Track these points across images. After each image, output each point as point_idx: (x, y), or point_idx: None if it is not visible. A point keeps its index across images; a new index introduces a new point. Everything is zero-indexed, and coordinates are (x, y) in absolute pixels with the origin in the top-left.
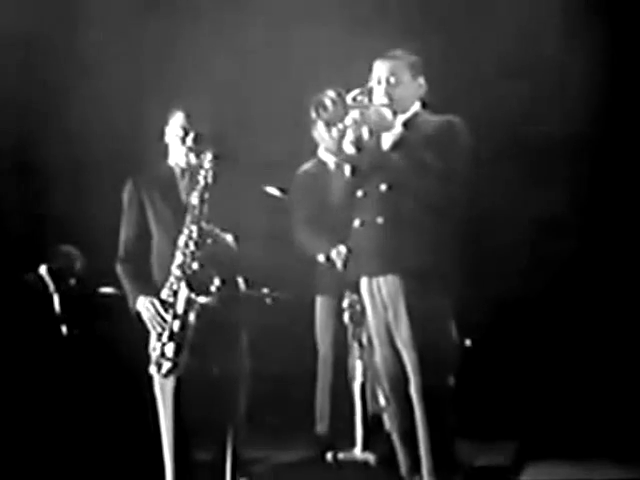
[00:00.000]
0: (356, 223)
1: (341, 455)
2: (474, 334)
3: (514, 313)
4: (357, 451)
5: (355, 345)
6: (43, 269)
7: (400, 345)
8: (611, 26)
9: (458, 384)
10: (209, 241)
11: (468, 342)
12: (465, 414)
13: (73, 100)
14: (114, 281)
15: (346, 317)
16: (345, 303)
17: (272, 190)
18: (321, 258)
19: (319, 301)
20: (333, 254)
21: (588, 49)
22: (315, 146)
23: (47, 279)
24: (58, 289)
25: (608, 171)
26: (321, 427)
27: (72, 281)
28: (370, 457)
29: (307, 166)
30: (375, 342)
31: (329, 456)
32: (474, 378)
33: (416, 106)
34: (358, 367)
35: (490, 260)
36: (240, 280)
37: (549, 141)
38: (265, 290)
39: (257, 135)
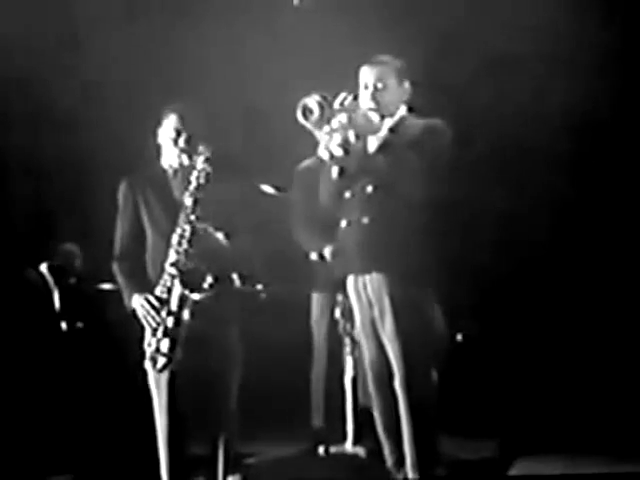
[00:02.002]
0: (343, 223)
1: (333, 449)
2: (462, 330)
3: (502, 309)
4: (348, 445)
5: (346, 340)
6: (44, 266)
7: (385, 341)
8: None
9: (445, 379)
10: (202, 239)
11: (459, 337)
12: (452, 410)
13: (75, 101)
14: (113, 279)
15: (337, 313)
16: (337, 299)
17: (268, 188)
18: (314, 256)
19: (314, 297)
20: (326, 252)
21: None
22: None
23: (48, 276)
24: (58, 286)
25: (592, 168)
26: (316, 421)
27: (72, 279)
28: (360, 451)
29: (307, 162)
30: (361, 338)
31: (321, 450)
32: (461, 373)
33: (402, 110)
34: (349, 362)
35: (477, 257)
36: (235, 276)
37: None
38: (260, 286)
39: (253, 134)
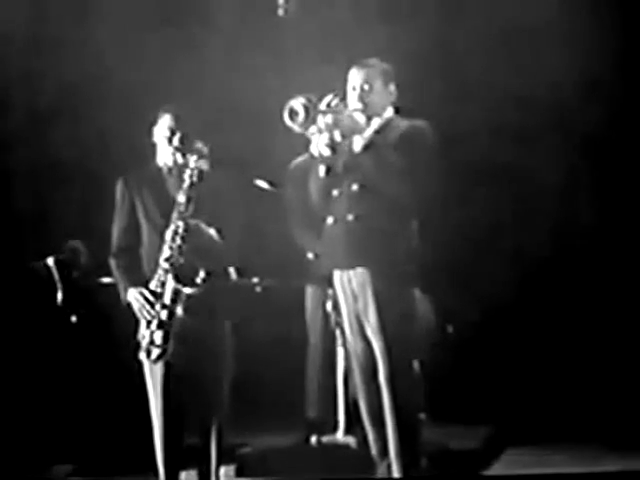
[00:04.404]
0: (330, 220)
1: (325, 439)
2: (452, 321)
3: (493, 300)
4: (339, 435)
5: (338, 332)
6: (50, 260)
7: (369, 333)
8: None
9: (436, 369)
10: (195, 235)
11: (450, 329)
12: (442, 399)
13: (78, 101)
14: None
15: (329, 306)
16: (328, 293)
17: (262, 183)
18: (310, 255)
19: (308, 291)
20: (319, 249)
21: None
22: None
23: (53, 269)
24: (62, 279)
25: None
26: (311, 412)
27: (75, 273)
28: (351, 440)
29: (299, 160)
30: (347, 331)
31: (313, 440)
32: (452, 363)
33: (389, 111)
34: (341, 353)
35: (464, 253)
36: (232, 270)
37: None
38: (255, 279)
39: (247, 132)
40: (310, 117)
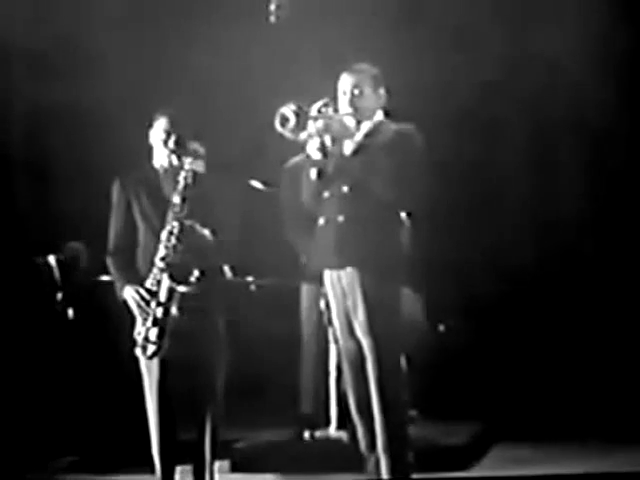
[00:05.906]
0: (321, 221)
1: (318, 434)
2: (444, 319)
3: (483, 299)
4: (332, 430)
5: (331, 329)
6: (52, 259)
7: (358, 331)
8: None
9: (426, 366)
10: (190, 235)
11: (441, 327)
12: (432, 395)
13: (81, 102)
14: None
15: (322, 303)
16: (322, 291)
17: (257, 184)
18: (304, 259)
19: (304, 289)
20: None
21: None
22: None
23: (54, 268)
24: (62, 277)
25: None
26: (304, 408)
27: (76, 272)
28: (343, 435)
29: (295, 160)
30: (337, 328)
31: (306, 435)
32: (442, 360)
33: (379, 115)
34: (333, 349)
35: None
36: (226, 268)
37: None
38: (250, 278)
39: (244, 134)
40: (301, 123)
